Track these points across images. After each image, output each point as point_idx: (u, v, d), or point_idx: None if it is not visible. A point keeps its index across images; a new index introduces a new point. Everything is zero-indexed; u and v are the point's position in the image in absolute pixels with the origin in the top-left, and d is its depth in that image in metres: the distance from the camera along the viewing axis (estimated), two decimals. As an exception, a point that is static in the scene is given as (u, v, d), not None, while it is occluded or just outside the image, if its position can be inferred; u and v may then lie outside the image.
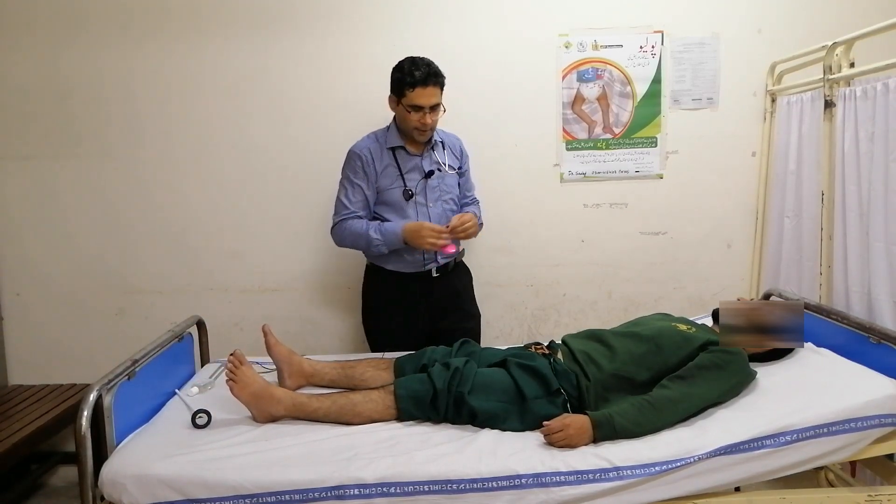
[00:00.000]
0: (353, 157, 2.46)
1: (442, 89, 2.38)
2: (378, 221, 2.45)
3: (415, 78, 2.31)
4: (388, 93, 2.43)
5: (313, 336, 3.06)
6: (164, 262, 3.01)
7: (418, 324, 2.52)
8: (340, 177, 2.49)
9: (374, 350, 2.60)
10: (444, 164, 2.51)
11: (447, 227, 2.35)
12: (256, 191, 2.99)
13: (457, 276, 2.61)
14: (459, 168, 2.58)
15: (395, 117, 2.49)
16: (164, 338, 2.14)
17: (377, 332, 2.60)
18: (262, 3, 2.88)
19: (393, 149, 2.45)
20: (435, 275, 2.51)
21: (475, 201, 2.72)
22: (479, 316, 2.70)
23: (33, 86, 2.89)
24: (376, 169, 2.44)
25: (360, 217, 2.45)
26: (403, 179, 2.44)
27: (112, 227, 2.98)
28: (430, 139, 2.47)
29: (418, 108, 2.34)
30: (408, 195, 2.43)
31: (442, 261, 2.51)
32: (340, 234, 2.47)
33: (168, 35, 2.88)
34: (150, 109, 2.92)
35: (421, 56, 2.38)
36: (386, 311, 2.55)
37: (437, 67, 2.37)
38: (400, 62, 2.38)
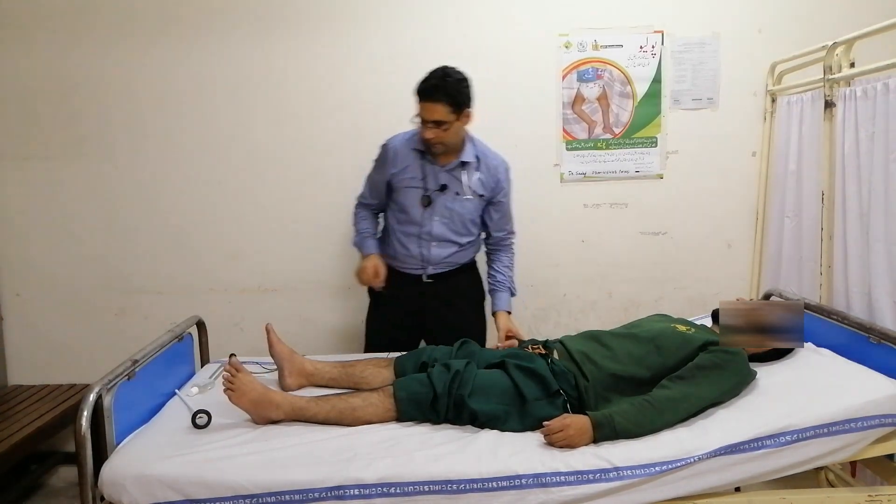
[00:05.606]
0: (380, 149, 2.48)
1: (452, 107, 2.23)
2: (370, 232, 2.52)
3: (419, 88, 2.25)
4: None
5: (313, 336, 3.06)
6: (164, 262, 3.01)
7: (410, 324, 2.51)
8: None
9: (367, 342, 2.60)
10: (466, 188, 2.42)
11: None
12: (256, 191, 2.99)
13: (454, 283, 2.52)
14: (483, 196, 2.45)
15: None
16: (163, 338, 2.14)
17: (372, 322, 2.61)
18: (264, 4, 2.88)
19: (419, 151, 2.39)
20: (427, 280, 2.47)
21: (509, 241, 2.60)
22: (481, 322, 2.60)
23: (36, 86, 2.90)
24: (395, 165, 2.39)
25: (370, 206, 2.54)
26: (425, 184, 2.39)
27: (112, 227, 2.99)
28: (456, 154, 2.38)
29: (423, 120, 2.27)
30: (426, 202, 2.39)
31: (433, 271, 2.46)
32: (353, 216, 2.59)
33: (168, 36, 2.88)
34: (151, 110, 2.92)
35: (451, 69, 2.27)
36: (383, 306, 2.56)
37: (451, 85, 2.22)
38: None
